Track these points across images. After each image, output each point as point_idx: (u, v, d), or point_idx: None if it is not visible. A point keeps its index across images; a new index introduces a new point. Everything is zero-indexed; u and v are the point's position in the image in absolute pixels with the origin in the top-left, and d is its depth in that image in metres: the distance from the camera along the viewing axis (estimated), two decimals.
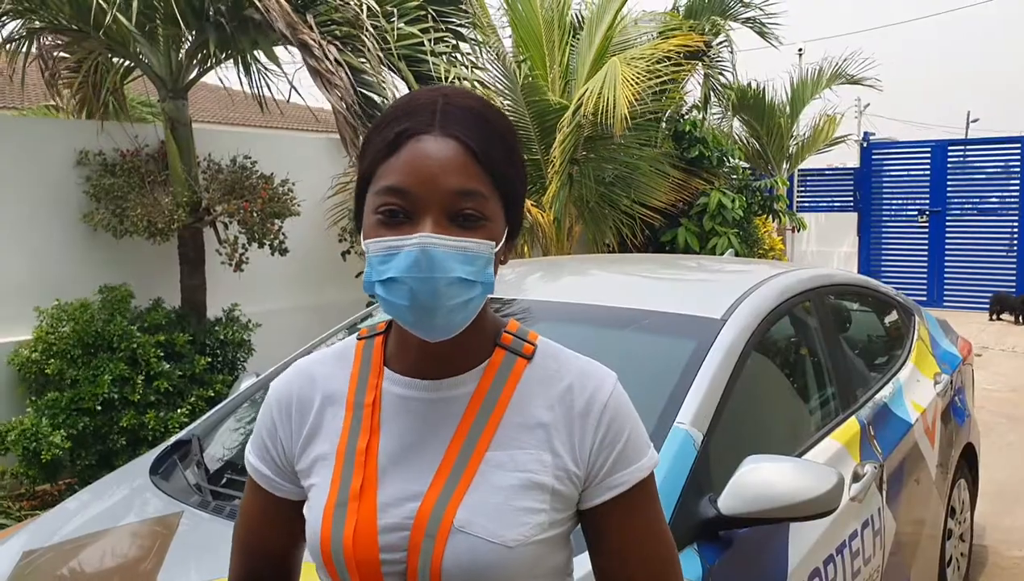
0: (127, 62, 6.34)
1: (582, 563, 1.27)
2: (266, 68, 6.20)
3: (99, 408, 5.04)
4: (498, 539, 1.09)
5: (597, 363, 1.23)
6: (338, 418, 1.20)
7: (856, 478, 2.77)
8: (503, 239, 1.12)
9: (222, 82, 6.29)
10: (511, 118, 8.23)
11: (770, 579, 2.31)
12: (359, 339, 1.27)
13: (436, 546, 1.09)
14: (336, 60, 4.93)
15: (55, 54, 6.28)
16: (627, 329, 2.73)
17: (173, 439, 3.03)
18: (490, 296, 1.15)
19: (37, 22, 5.70)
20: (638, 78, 8.07)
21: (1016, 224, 14.22)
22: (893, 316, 4.12)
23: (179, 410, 5.28)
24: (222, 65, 6.18)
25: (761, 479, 2.10)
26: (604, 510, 1.17)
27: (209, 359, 5.64)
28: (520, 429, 1.15)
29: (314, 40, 4.88)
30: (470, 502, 1.10)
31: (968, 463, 4.23)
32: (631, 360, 2.57)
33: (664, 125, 10.17)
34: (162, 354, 5.33)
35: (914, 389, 3.63)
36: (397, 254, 1.05)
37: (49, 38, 6.07)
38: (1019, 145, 14.31)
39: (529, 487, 1.12)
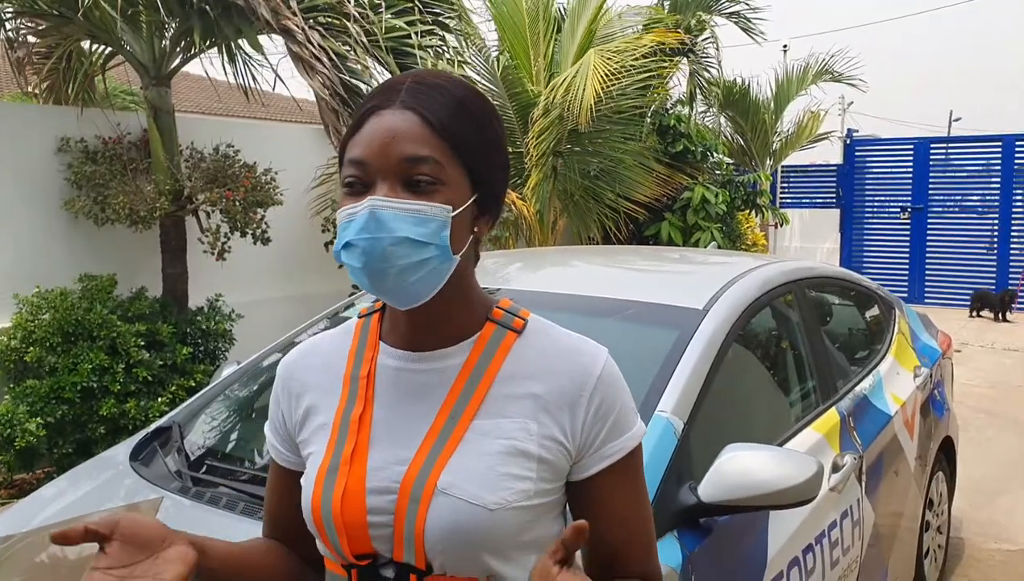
0: (104, 49, 6.28)
1: None
2: (250, 57, 6.17)
3: (78, 397, 5.00)
4: (479, 501, 1.12)
5: (588, 339, 1.25)
6: (336, 391, 1.25)
7: (835, 468, 2.79)
8: (466, 205, 1.15)
9: (207, 73, 6.24)
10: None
11: (750, 567, 2.33)
12: (359, 317, 1.33)
13: (420, 508, 1.12)
14: (319, 45, 4.91)
15: (27, 39, 6.20)
16: (610, 319, 2.74)
17: (153, 426, 3.01)
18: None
19: (9, 7, 5.63)
20: (616, 73, 8.07)
21: (996, 222, 14.36)
22: (874, 309, 4.15)
23: (160, 399, 5.25)
24: (206, 54, 6.15)
25: (741, 467, 2.11)
26: (596, 480, 1.20)
27: (191, 349, 5.62)
28: (507, 399, 1.18)
29: (297, 26, 4.86)
30: (454, 466, 1.13)
31: (946, 456, 4.27)
32: (613, 349, 2.56)
33: (649, 120, 10.19)
34: (143, 343, 5.30)
35: (894, 382, 3.66)
36: (353, 220, 1.11)
37: (21, 22, 5.99)
38: (1000, 143, 14.43)
39: (514, 454, 1.15)
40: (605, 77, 7.91)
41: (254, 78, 6.20)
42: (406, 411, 1.19)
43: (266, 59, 5.81)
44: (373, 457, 1.17)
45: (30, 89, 6.90)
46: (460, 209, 1.14)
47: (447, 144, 1.12)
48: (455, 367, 1.20)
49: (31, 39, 6.19)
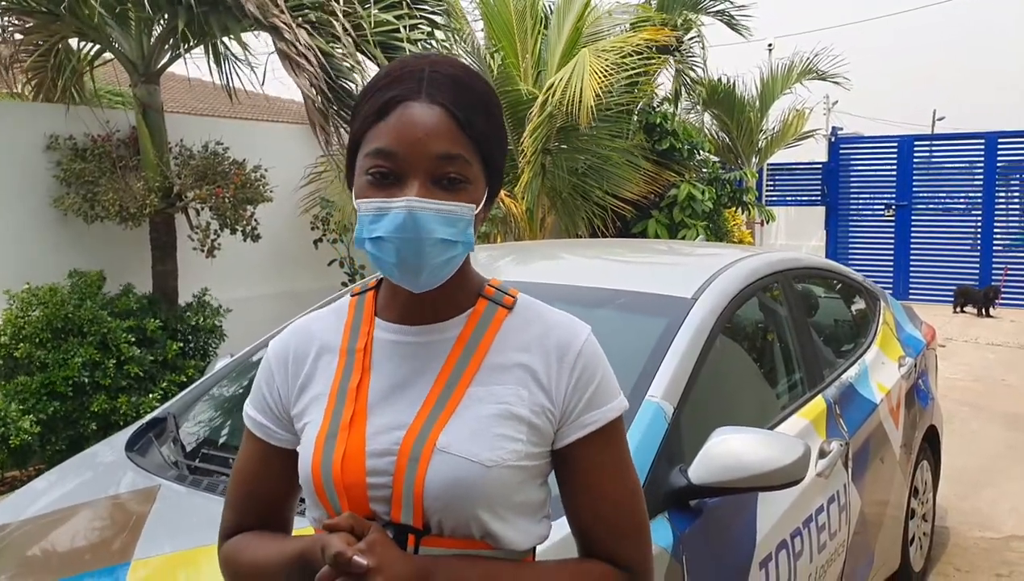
0: (91, 47, 6.28)
1: (561, 526, 1.33)
2: (236, 57, 6.18)
3: (70, 393, 5.01)
4: (476, 459, 1.17)
5: (572, 316, 1.31)
6: (332, 364, 1.29)
7: (822, 454, 2.84)
8: (484, 201, 1.22)
9: (210, 71, 6.22)
10: None
11: (739, 548, 2.38)
12: (352, 296, 1.36)
13: (419, 467, 1.17)
14: (307, 44, 4.93)
15: (14, 36, 6.18)
16: (601, 308, 2.78)
17: (148, 417, 3.04)
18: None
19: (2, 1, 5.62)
20: (608, 70, 8.13)
21: (980, 218, 14.48)
22: (859, 300, 4.21)
23: (151, 395, 5.26)
24: (193, 53, 6.15)
25: (730, 450, 2.16)
26: (577, 447, 1.25)
27: (181, 344, 5.62)
28: (500, 369, 1.24)
29: (284, 23, 4.88)
30: (452, 428, 1.19)
31: (931, 445, 4.33)
32: (605, 337, 2.60)
33: (636, 117, 10.24)
34: (133, 339, 5.31)
35: (879, 371, 3.72)
36: (386, 215, 1.14)
37: (8, 19, 5.97)
38: (983, 141, 14.55)
39: (507, 417, 1.21)
40: (600, 75, 7.96)
41: (240, 78, 6.21)
42: (403, 380, 1.24)
43: (251, 56, 5.81)
44: (372, 422, 1.21)
45: (17, 89, 6.87)
46: (481, 205, 1.21)
47: (472, 142, 1.17)
48: (450, 339, 1.25)
49: (18, 36, 6.17)
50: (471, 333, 1.25)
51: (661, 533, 2.08)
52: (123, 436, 2.92)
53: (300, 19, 5.17)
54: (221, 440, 2.81)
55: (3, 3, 5.59)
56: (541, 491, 1.28)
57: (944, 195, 15.16)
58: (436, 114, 1.15)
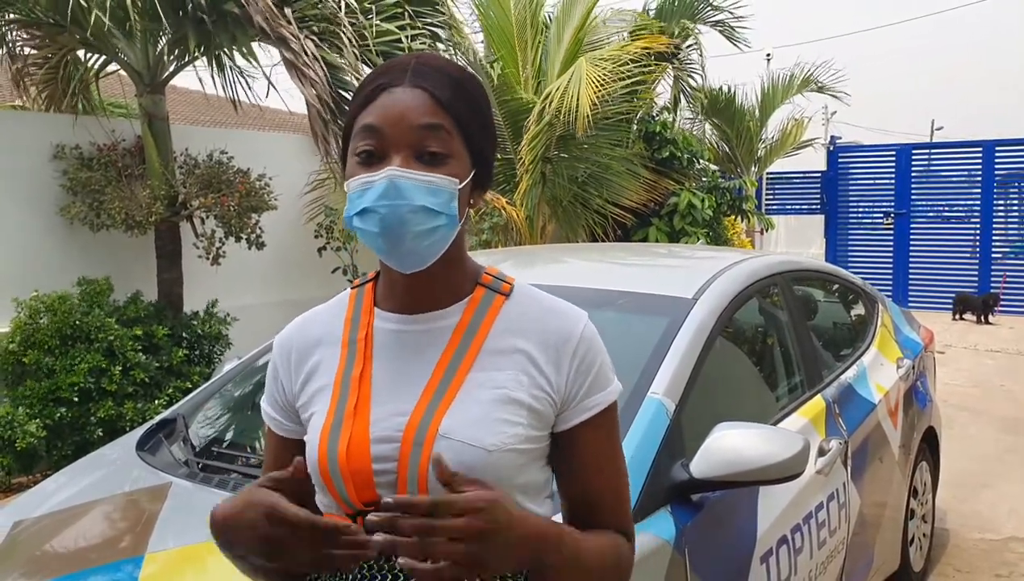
0: (99, 58, 6.35)
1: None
2: (240, 69, 6.25)
3: (76, 399, 5.06)
4: (478, 443, 1.21)
5: (569, 303, 1.35)
6: (335, 355, 1.33)
7: (822, 453, 2.88)
8: (468, 179, 1.26)
9: (205, 82, 6.30)
10: None
11: (740, 542, 2.42)
12: (352, 289, 1.40)
13: (423, 453, 1.21)
14: (313, 55, 5.00)
15: (24, 50, 6.26)
16: (603, 309, 2.82)
17: (158, 418, 3.08)
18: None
19: (11, 14, 5.69)
20: (605, 79, 8.19)
21: (978, 226, 14.53)
22: (858, 302, 4.26)
23: (156, 401, 5.31)
24: (197, 65, 6.23)
25: (730, 444, 2.20)
26: (580, 429, 1.30)
27: (186, 351, 5.67)
28: (499, 355, 1.27)
29: (292, 34, 4.95)
30: (454, 413, 1.23)
31: (929, 446, 4.37)
32: (607, 336, 2.65)
33: (635, 126, 10.30)
34: (139, 347, 5.36)
35: (878, 372, 3.76)
36: (370, 188, 1.20)
37: (17, 33, 6.05)
38: (981, 149, 14.60)
39: (507, 401, 1.24)
40: (597, 83, 8.03)
41: (245, 90, 6.28)
42: (404, 368, 1.27)
43: (255, 67, 5.88)
44: (375, 410, 1.25)
45: (22, 101, 6.94)
46: (464, 181, 1.24)
47: (453, 120, 1.23)
48: (449, 326, 1.29)
49: (28, 50, 6.25)
50: (470, 320, 1.29)
51: (664, 526, 2.12)
52: (133, 436, 2.96)
53: (307, 30, 5.24)
54: (230, 439, 2.86)
55: (15, 14, 5.67)
56: (543, 472, 1.32)
57: (943, 203, 15.21)
58: (417, 94, 1.22)
